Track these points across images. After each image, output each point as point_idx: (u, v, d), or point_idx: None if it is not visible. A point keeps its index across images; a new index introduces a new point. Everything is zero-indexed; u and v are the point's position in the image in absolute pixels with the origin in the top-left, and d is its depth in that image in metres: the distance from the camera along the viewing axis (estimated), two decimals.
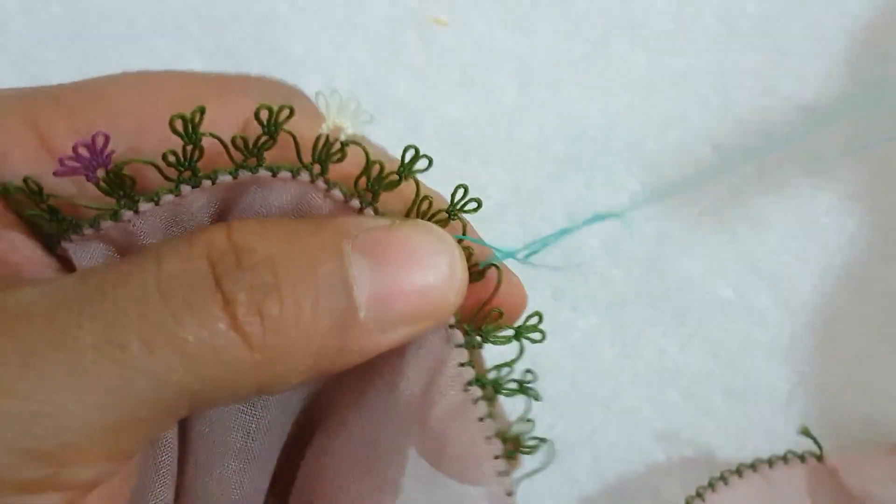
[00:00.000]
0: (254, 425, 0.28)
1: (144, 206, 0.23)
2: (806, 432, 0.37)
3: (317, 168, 0.24)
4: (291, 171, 0.24)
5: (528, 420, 0.25)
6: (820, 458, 0.36)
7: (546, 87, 0.43)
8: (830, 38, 0.43)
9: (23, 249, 0.24)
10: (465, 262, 0.25)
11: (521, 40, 0.43)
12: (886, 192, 0.41)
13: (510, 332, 0.26)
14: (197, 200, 0.24)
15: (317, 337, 0.22)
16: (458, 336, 0.25)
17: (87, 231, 0.23)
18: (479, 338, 0.26)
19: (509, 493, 0.24)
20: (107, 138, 0.22)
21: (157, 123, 0.24)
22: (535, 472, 0.25)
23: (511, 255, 0.26)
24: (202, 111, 0.22)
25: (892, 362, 0.40)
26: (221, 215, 0.25)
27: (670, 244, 0.41)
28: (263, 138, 0.23)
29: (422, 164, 0.24)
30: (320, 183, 0.24)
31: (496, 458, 0.24)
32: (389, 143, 0.29)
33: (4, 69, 0.42)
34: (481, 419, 0.25)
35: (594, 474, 0.38)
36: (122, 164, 0.22)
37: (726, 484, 0.36)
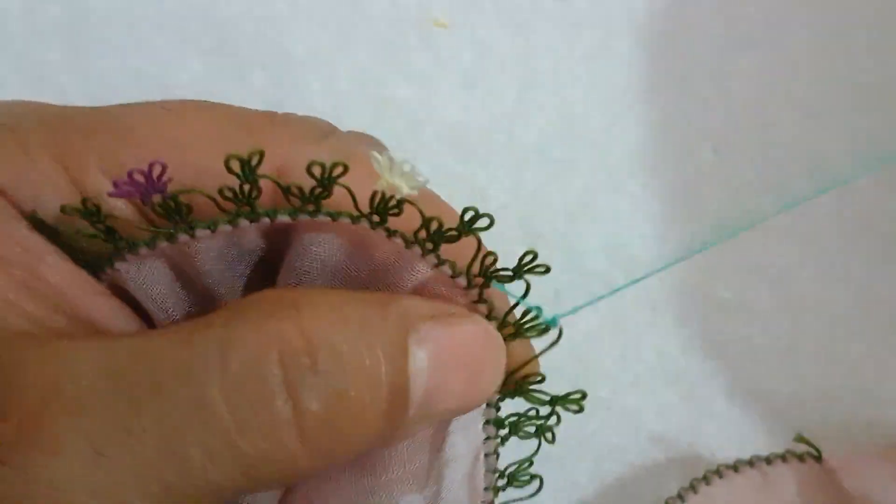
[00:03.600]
0: None
1: (201, 232, 0.23)
2: (801, 439, 0.36)
3: (375, 218, 0.24)
4: (351, 218, 0.24)
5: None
6: (819, 458, 0.36)
7: (546, 89, 0.43)
8: (832, 39, 0.43)
9: (69, 275, 0.23)
10: (504, 354, 0.25)
11: (521, 42, 0.43)
12: (889, 194, 0.41)
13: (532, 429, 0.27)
14: (251, 234, 0.24)
15: (370, 438, 0.22)
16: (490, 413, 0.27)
17: (143, 251, 0.24)
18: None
19: None
20: (164, 168, 0.22)
21: (184, 165, 0.24)
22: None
23: (555, 320, 0.26)
24: (261, 154, 0.22)
25: (894, 365, 0.40)
26: (272, 251, 0.25)
27: (670, 246, 0.41)
28: (318, 190, 0.23)
29: (483, 222, 0.23)
30: (381, 231, 0.24)
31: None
32: (389, 144, 0.29)
33: (4, 69, 0.42)
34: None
35: (594, 476, 0.38)
36: (180, 192, 0.22)
37: (721, 477, 0.36)
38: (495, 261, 0.24)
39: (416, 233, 0.24)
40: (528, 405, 0.28)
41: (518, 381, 0.26)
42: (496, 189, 0.42)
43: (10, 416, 0.20)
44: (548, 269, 0.24)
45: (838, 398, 0.39)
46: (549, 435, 0.28)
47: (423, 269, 0.25)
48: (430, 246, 0.24)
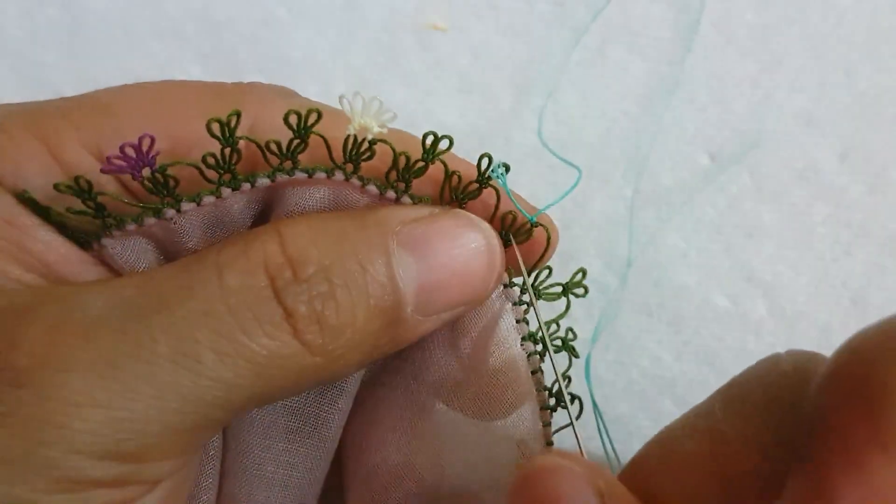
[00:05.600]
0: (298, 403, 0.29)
1: (187, 206, 0.24)
2: None
3: (349, 167, 0.25)
4: (326, 172, 0.25)
5: (567, 377, 0.28)
6: None
7: (543, 94, 0.43)
8: (828, 47, 0.43)
9: (58, 248, 0.24)
10: (500, 243, 0.26)
11: (518, 47, 0.43)
12: (882, 202, 0.41)
13: (559, 290, 0.29)
14: (237, 202, 0.25)
15: (370, 336, 0.24)
16: (514, 294, 0.28)
17: (130, 227, 0.24)
18: (531, 296, 0.28)
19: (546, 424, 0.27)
20: (152, 140, 0.23)
21: (164, 135, 0.24)
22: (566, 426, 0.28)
23: (546, 207, 0.29)
24: (238, 115, 0.23)
25: None
26: (262, 216, 0.26)
27: (666, 252, 0.41)
28: (296, 142, 0.24)
29: (443, 144, 0.26)
30: (355, 181, 0.25)
31: (542, 409, 0.27)
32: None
33: (2, 71, 0.42)
34: (533, 372, 0.27)
35: None
36: (167, 165, 0.23)
37: None
38: (460, 179, 0.26)
39: (387, 174, 0.25)
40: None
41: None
42: None
43: (20, 345, 0.21)
44: (507, 168, 0.27)
45: None
46: (580, 290, 0.29)
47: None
48: (402, 186, 0.26)
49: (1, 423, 0.20)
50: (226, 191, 0.25)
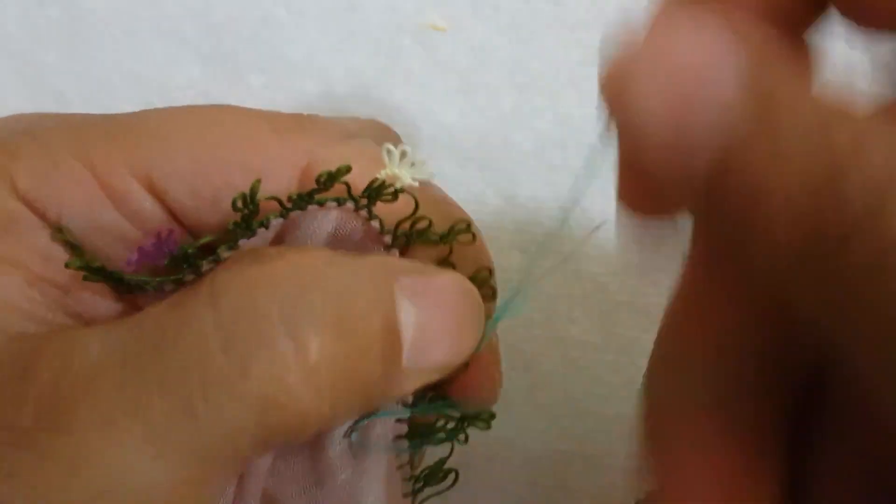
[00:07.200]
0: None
1: (207, 266, 0.24)
2: None
3: (363, 201, 0.25)
4: (337, 201, 0.25)
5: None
6: None
7: (544, 94, 0.43)
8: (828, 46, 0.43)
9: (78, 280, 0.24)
10: (483, 314, 0.25)
11: (518, 46, 0.43)
12: None
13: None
14: (255, 243, 0.25)
15: (370, 384, 0.23)
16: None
17: (149, 289, 0.24)
18: None
19: None
20: (170, 232, 0.23)
21: (214, 163, 0.24)
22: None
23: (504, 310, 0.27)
24: (257, 184, 0.22)
25: None
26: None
27: (664, 251, 0.41)
28: (319, 190, 0.24)
29: (466, 238, 0.25)
30: (363, 213, 0.25)
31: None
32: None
33: (2, 71, 0.42)
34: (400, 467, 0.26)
35: (586, 481, 0.38)
36: (186, 248, 0.23)
37: None
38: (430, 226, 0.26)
39: (398, 223, 0.25)
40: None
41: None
42: (492, 193, 0.42)
43: (25, 403, 0.20)
44: (474, 239, 0.26)
45: None
46: (462, 437, 0.28)
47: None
48: (402, 241, 0.25)
49: (4, 481, 0.20)
50: (242, 242, 0.24)
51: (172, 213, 0.25)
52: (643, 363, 0.41)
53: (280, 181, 0.25)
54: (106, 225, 0.24)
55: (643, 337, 0.40)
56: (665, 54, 0.16)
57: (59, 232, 0.23)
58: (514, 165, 0.42)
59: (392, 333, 0.23)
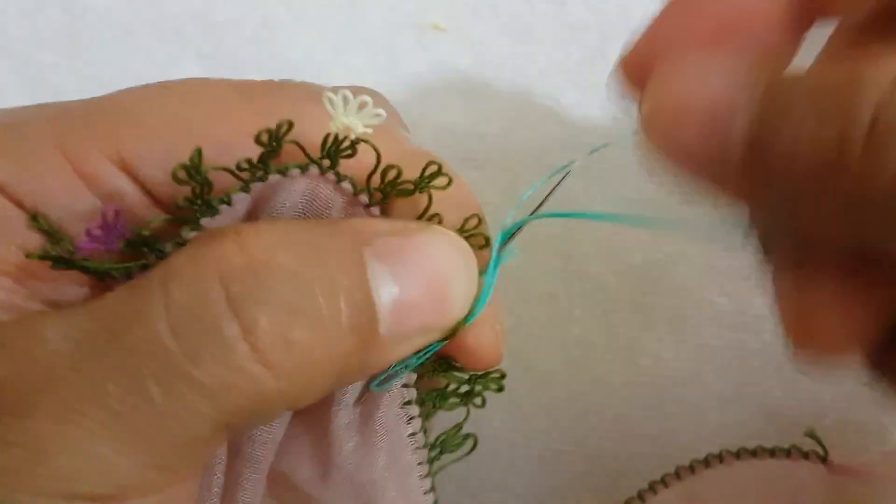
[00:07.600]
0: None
1: (170, 249, 0.23)
2: (811, 434, 0.36)
3: (325, 162, 0.24)
4: (300, 168, 0.23)
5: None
6: (824, 458, 0.36)
7: (544, 94, 0.43)
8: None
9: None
10: (476, 268, 0.25)
11: (519, 47, 0.43)
12: None
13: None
14: (222, 222, 0.24)
15: (342, 357, 0.22)
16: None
17: (118, 276, 0.24)
18: None
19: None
20: (116, 213, 0.22)
21: (185, 139, 0.23)
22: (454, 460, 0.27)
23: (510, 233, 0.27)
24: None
25: None
26: None
27: (665, 250, 0.41)
28: (267, 152, 0.23)
29: (441, 181, 0.24)
30: (330, 175, 0.24)
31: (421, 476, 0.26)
32: None
33: (2, 71, 0.42)
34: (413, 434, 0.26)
35: (586, 481, 0.38)
36: (139, 231, 0.22)
37: (721, 462, 0.35)
38: (440, 222, 0.25)
39: (368, 177, 0.24)
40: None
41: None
42: (492, 194, 0.42)
43: None
44: (450, 182, 0.25)
45: (832, 403, 0.39)
46: (478, 400, 0.27)
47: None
48: (378, 196, 0.24)
49: None
50: (205, 220, 0.23)
51: (150, 194, 0.24)
52: (643, 363, 0.41)
53: (251, 152, 0.24)
54: (84, 210, 0.24)
55: (643, 337, 0.40)
56: (689, 98, 0.22)
57: (35, 220, 0.23)
58: (513, 165, 0.42)
59: (363, 302, 0.22)
